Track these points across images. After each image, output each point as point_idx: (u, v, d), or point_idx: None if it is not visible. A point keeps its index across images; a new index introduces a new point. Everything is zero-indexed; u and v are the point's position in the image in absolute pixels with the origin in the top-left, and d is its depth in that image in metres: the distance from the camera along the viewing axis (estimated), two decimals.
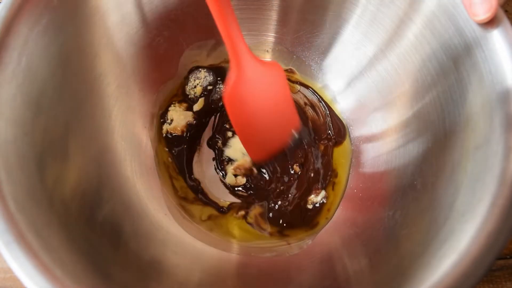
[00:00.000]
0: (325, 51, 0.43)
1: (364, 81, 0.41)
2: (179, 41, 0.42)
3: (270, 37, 0.44)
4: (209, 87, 0.45)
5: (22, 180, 0.24)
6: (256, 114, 0.37)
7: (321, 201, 0.40)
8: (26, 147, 0.25)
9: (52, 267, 0.21)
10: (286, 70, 0.46)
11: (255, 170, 0.42)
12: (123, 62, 0.37)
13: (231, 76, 0.34)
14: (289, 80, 0.45)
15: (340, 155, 0.43)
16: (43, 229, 0.23)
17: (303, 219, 0.40)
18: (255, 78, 0.35)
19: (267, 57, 0.46)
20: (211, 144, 0.43)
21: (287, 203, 0.40)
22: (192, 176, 0.42)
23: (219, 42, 0.43)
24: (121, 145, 0.36)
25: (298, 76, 0.46)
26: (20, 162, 0.25)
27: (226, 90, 0.34)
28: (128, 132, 0.38)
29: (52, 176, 0.27)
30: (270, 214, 0.40)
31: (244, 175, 0.41)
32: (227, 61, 0.45)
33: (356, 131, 0.43)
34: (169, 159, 0.42)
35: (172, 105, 0.43)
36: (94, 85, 0.34)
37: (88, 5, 0.32)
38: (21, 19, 0.26)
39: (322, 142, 0.43)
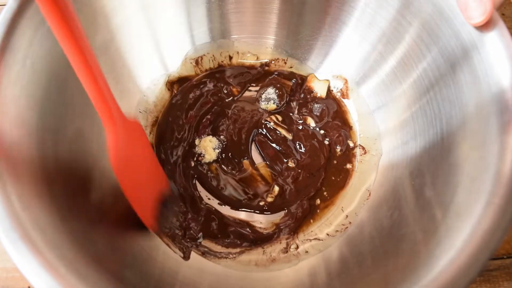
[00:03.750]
0: (324, 54, 0.43)
1: (362, 84, 0.41)
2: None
3: (270, 39, 0.44)
4: None
5: (26, 179, 0.24)
6: (137, 174, 0.33)
7: None
8: (30, 147, 0.26)
9: (57, 264, 0.21)
10: (285, 71, 0.46)
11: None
12: (125, 63, 0.38)
13: (110, 140, 0.28)
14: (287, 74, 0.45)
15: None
16: (47, 227, 0.23)
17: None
18: (127, 137, 0.30)
19: (268, 59, 0.46)
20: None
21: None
22: None
23: None
24: None
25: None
26: (25, 162, 0.25)
27: (112, 156, 0.29)
28: None
29: (56, 175, 0.27)
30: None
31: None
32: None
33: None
34: None
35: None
36: None
37: (92, 7, 0.32)
38: (25, 21, 0.27)
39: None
